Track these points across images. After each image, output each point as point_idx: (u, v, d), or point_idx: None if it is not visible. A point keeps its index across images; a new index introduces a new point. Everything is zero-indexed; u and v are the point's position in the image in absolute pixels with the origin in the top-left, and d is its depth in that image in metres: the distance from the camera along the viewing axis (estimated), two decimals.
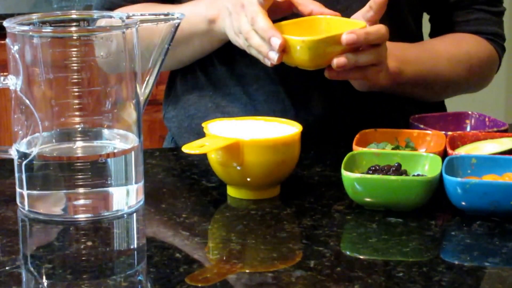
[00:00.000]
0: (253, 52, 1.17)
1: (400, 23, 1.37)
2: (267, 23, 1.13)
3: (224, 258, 0.91)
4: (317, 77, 1.32)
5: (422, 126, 1.22)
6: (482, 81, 1.43)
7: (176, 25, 1.05)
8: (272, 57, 1.13)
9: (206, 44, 1.32)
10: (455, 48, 1.37)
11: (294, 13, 1.20)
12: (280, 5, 1.17)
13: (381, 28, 1.15)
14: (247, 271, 0.88)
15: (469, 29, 1.40)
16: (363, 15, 1.18)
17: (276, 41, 1.11)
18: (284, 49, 1.11)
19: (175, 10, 1.15)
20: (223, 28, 1.23)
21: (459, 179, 0.99)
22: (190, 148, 1.01)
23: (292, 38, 1.10)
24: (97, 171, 0.99)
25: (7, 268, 0.88)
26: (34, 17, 1.02)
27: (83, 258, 0.91)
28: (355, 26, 1.14)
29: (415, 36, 1.40)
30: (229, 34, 1.22)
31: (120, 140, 1.02)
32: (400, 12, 1.36)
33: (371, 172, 1.05)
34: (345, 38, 1.11)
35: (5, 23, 0.99)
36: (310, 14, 1.19)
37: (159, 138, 2.52)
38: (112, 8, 1.38)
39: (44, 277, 0.88)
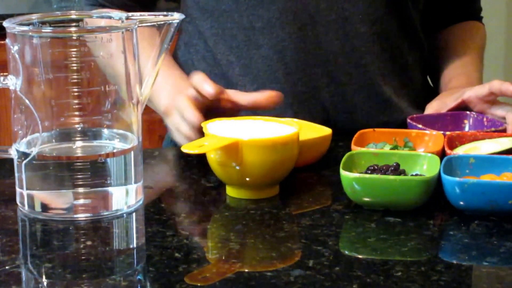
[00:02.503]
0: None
1: (406, 20, 1.37)
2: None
3: (223, 258, 0.91)
4: (318, 79, 1.33)
5: (420, 126, 1.22)
6: None
7: (176, 25, 1.05)
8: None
9: None
10: (479, 47, 1.49)
11: None
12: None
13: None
14: (246, 270, 0.88)
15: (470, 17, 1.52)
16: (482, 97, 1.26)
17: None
18: None
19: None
20: (170, 125, 1.26)
21: (457, 178, 0.99)
22: (189, 148, 1.02)
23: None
24: (96, 171, 0.99)
25: (7, 267, 0.89)
26: (34, 17, 1.02)
27: (83, 257, 0.91)
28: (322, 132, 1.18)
29: (416, 32, 1.41)
30: (172, 133, 1.25)
31: (119, 140, 1.03)
32: (406, 9, 1.37)
33: (369, 171, 1.05)
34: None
35: (5, 24, 0.99)
36: None
37: (159, 138, 2.52)
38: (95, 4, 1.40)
39: (43, 276, 0.88)
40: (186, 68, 1.38)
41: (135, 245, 0.97)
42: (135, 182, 1.03)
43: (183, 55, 1.41)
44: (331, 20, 1.31)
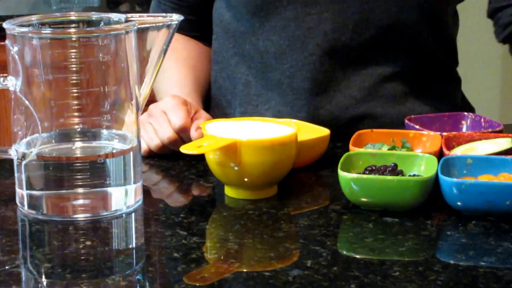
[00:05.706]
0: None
1: (439, 25, 1.36)
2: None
3: (222, 258, 0.92)
4: (324, 107, 1.33)
5: (417, 126, 1.22)
6: None
7: (174, 26, 1.06)
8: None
9: None
10: None
11: None
12: None
13: None
14: (244, 270, 0.89)
15: None
16: None
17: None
18: None
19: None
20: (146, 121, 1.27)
21: (454, 179, 1.00)
22: (188, 148, 1.02)
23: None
24: (96, 171, 1.00)
25: (6, 267, 0.89)
26: (34, 18, 1.03)
27: (82, 257, 0.91)
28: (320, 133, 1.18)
29: (450, 37, 1.39)
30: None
31: (118, 141, 1.03)
32: (439, 14, 1.35)
33: (367, 172, 1.05)
34: None
35: (5, 25, 1.00)
36: None
37: None
38: None
39: (43, 276, 0.88)
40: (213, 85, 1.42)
41: (134, 245, 0.97)
42: (134, 183, 1.03)
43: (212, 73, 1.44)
44: (337, 50, 1.31)
